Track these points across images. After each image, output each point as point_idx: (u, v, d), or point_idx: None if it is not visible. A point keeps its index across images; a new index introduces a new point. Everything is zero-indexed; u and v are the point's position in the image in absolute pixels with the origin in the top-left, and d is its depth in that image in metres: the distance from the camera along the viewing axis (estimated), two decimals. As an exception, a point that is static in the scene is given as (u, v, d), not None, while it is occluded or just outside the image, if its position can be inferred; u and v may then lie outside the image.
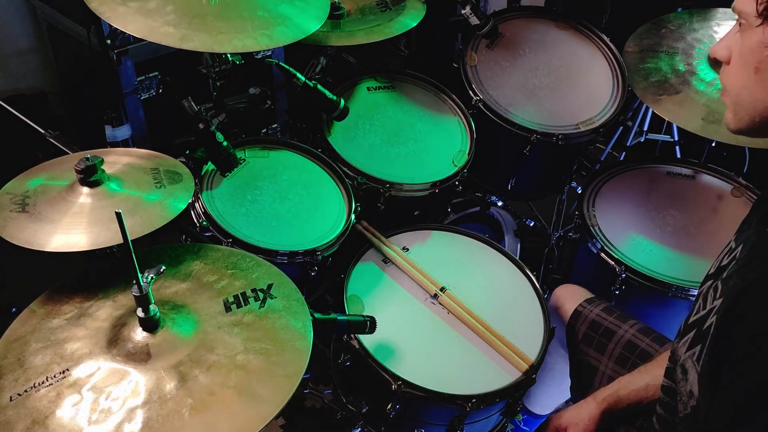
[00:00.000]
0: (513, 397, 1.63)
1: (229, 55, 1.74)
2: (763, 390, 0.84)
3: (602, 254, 1.91)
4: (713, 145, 2.43)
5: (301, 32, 1.62)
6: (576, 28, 2.35)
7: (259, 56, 2.40)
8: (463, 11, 2.15)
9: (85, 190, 1.29)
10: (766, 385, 0.84)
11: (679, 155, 2.59)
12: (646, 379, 1.41)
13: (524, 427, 2.16)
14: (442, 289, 1.73)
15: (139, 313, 1.12)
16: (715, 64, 1.16)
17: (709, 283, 1.05)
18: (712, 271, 1.09)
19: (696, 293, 1.20)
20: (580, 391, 1.65)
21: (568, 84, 2.23)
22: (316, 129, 1.97)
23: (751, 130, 0.97)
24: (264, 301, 1.25)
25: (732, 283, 0.95)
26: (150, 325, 1.14)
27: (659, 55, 2.09)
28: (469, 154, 2.02)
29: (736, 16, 0.95)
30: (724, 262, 1.05)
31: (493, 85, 2.18)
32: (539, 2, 3.17)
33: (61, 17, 2.37)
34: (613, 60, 2.27)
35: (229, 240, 1.60)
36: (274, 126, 2.64)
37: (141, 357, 1.12)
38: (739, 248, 1.01)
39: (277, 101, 2.52)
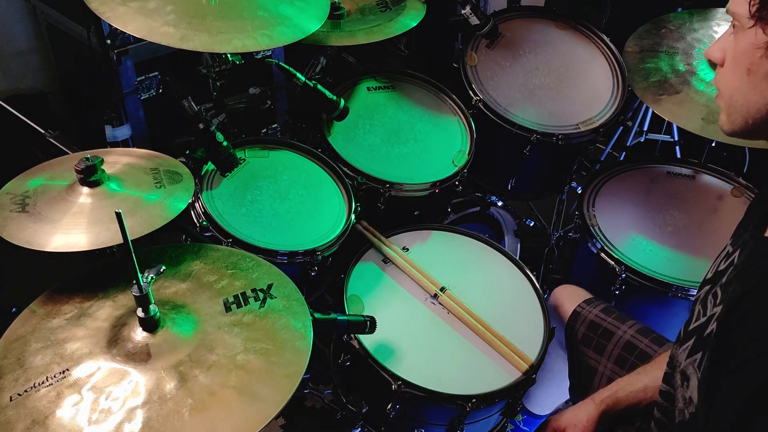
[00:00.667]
0: (513, 397, 1.63)
1: (229, 55, 1.74)
2: (763, 392, 0.84)
3: (602, 254, 1.91)
4: (713, 145, 2.43)
5: (301, 32, 1.62)
6: (576, 28, 2.34)
7: (259, 56, 2.40)
8: (463, 11, 2.15)
9: (85, 190, 1.29)
10: (766, 386, 0.84)
11: (679, 155, 2.59)
12: (644, 380, 1.41)
13: (524, 428, 2.16)
14: (442, 289, 1.73)
15: (139, 313, 1.12)
16: (714, 65, 1.17)
17: (707, 288, 1.05)
18: (709, 275, 1.09)
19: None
20: (579, 391, 1.65)
21: (568, 84, 2.23)
22: (316, 129, 1.97)
23: (745, 132, 0.96)
24: (264, 301, 1.25)
25: (731, 289, 0.94)
26: (150, 325, 1.14)
27: (659, 55, 2.09)
28: (469, 154, 2.02)
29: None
30: (722, 266, 1.04)
31: (493, 85, 2.18)
32: (539, 2, 3.17)
33: (61, 17, 2.37)
34: (613, 60, 2.26)
35: (229, 240, 1.61)
36: (274, 126, 2.64)
37: (141, 357, 1.12)
38: (737, 253, 1.01)
39: (277, 101, 2.52)
